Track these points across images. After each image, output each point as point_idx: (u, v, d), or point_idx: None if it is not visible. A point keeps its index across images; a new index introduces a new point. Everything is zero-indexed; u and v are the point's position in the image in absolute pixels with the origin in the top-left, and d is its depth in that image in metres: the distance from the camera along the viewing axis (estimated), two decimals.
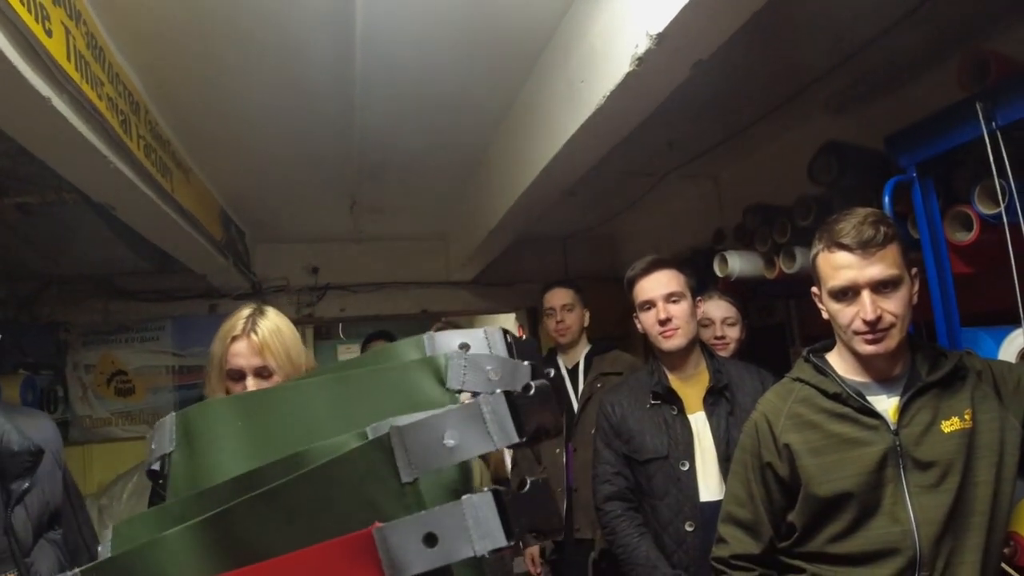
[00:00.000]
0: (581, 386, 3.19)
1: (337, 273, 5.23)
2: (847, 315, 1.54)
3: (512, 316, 6.46)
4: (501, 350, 0.78)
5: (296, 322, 5.42)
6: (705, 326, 2.71)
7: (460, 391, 0.70)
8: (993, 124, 1.84)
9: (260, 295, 4.99)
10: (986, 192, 1.96)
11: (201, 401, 1.01)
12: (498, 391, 0.56)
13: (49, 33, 1.72)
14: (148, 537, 0.62)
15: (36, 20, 1.65)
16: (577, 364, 3.29)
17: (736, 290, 3.06)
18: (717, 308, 2.78)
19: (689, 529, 2.10)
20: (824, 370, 1.64)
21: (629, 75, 1.91)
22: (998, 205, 1.89)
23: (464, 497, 0.50)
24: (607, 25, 2.03)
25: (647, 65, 1.84)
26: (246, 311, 1.85)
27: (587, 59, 2.18)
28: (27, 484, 1.42)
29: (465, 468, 0.66)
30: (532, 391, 0.57)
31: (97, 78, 2.06)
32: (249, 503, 0.55)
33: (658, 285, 2.26)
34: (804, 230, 2.75)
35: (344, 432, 0.63)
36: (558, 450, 3.15)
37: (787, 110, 3.14)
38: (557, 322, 3.30)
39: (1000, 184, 1.87)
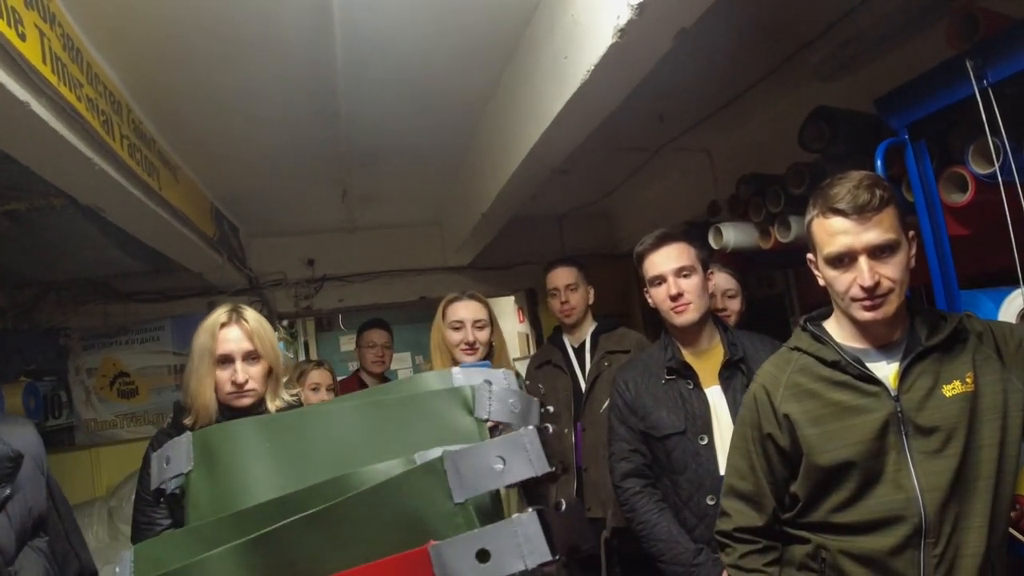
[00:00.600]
0: (588, 365, 3.17)
1: (333, 264, 5.22)
2: (844, 282, 1.51)
3: (511, 299, 6.45)
4: (516, 387, 0.85)
5: (295, 315, 5.47)
6: None
7: (487, 420, 0.73)
8: (984, 82, 1.82)
9: (257, 290, 4.99)
10: (980, 151, 1.94)
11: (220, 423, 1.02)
12: (531, 427, 0.61)
13: (23, 37, 1.70)
14: (178, 560, 0.62)
15: (8, 24, 1.63)
16: (583, 343, 3.25)
17: (734, 262, 3.05)
18: (718, 280, 2.73)
19: (711, 503, 2.08)
20: (822, 338, 1.62)
21: (612, 47, 1.88)
22: (992, 164, 1.87)
23: (514, 516, 0.55)
24: None
25: (630, 36, 1.82)
26: (225, 307, 2.01)
27: (570, 33, 2.15)
28: (8, 491, 1.41)
29: (496, 492, 0.68)
30: (549, 430, 0.63)
31: (75, 80, 2.04)
32: (297, 524, 0.56)
33: (668, 259, 2.22)
34: (798, 198, 2.73)
35: (376, 456, 0.66)
36: (567, 430, 3.13)
37: (777, 78, 3.11)
38: (562, 303, 3.26)
39: (994, 142, 1.84)
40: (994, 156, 1.86)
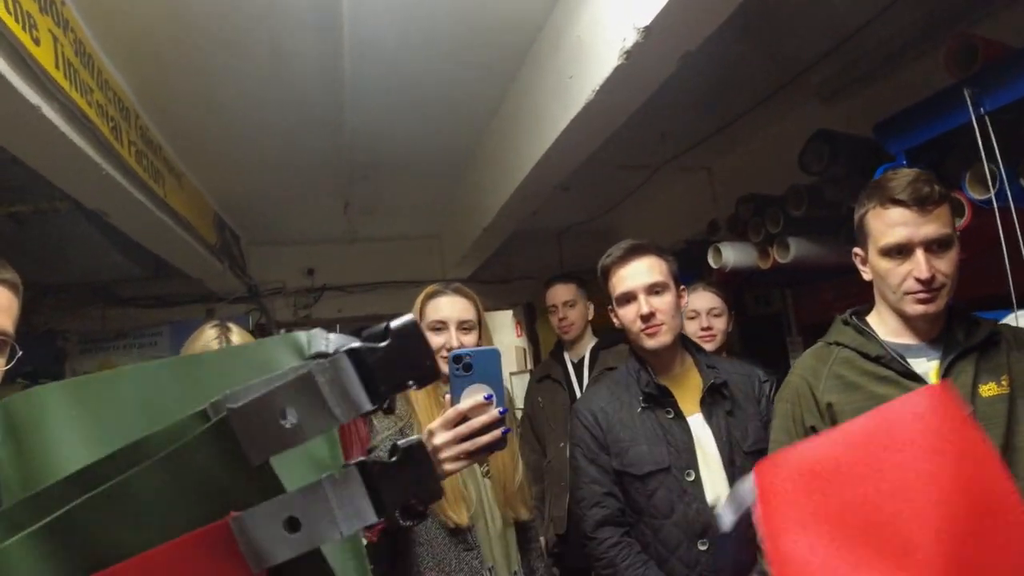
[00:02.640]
0: (586, 380, 3.21)
1: (333, 274, 5.24)
2: (899, 274, 1.50)
3: (509, 313, 6.46)
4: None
5: (293, 324, 5.46)
6: (691, 318, 2.68)
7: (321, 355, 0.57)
8: (981, 109, 1.85)
9: (257, 298, 5.00)
10: (976, 177, 1.96)
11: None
12: (339, 351, 0.48)
13: (37, 42, 1.72)
14: None
15: (23, 29, 1.65)
16: (583, 358, 3.29)
17: (731, 280, 3.07)
18: (702, 299, 2.72)
19: (703, 548, 1.82)
20: (866, 332, 1.61)
21: (618, 69, 1.91)
22: (988, 191, 1.89)
23: (324, 476, 0.47)
24: (594, 19, 2.03)
25: (635, 58, 1.85)
26: (213, 331, 1.88)
27: (575, 53, 2.18)
28: None
29: (332, 437, 0.60)
30: (386, 338, 0.49)
31: (86, 85, 2.06)
32: (91, 503, 0.49)
33: (638, 274, 1.95)
34: (796, 220, 2.76)
35: None
36: (562, 444, 3.15)
37: (779, 100, 3.14)
38: (560, 319, 3.31)
39: (990, 169, 1.87)
40: (990, 182, 1.88)
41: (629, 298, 1.96)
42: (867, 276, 1.60)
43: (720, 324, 2.73)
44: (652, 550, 1.89)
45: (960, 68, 1.97)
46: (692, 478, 1.86)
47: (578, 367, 3.30)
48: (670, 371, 2.02)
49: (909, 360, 1.53)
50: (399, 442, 0.50)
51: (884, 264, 1.53)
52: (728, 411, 1.94)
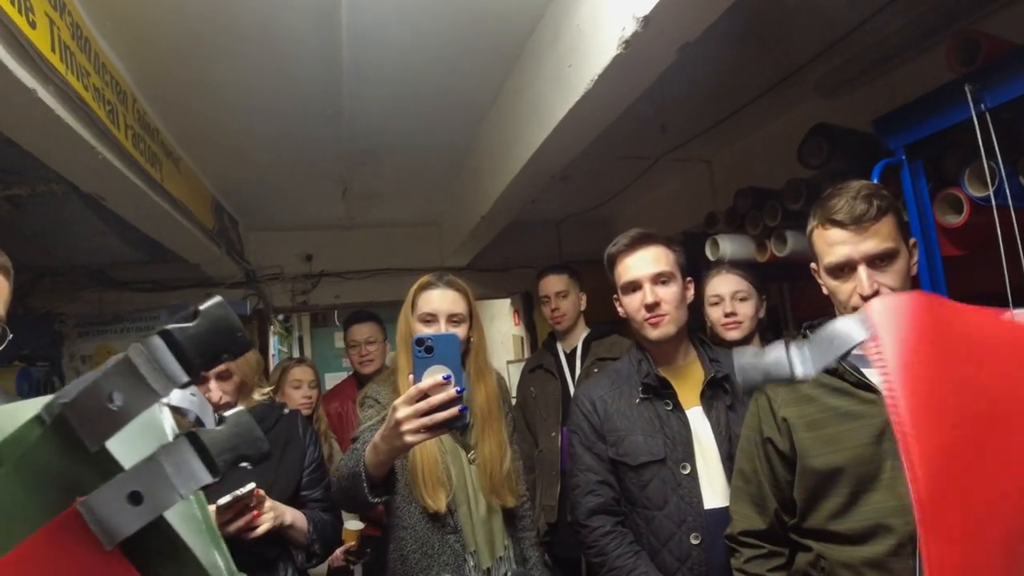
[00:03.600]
0: (579, 371, 3.22)
1: (331, 260, 5.23)
2: (845, 291, 1.52)
3: (507, 301, 6.47)
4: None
5: (291, 310, 5.47)
6: (714, 304, 2.60)
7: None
8: (982, 106, 1.84)
9: (254, 283, 5.00)
10: (976, 174, 1.96)
11: None
12: (154, 337, 0.51)
13: (33, 25, 1.71)
14: None
15: (19, 12, 1.64)
16: (575, 349, 3.32)
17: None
18: (725, 283, 2.58)
19: (695, 542, 1.83)
20: None
21: (616, 58, 1.90)
22: (987, 188, 1.89)
23: (158, 448, 0.49)
24: (594, 8, 2.02)
25: (634, 48, 1.84)
26: None
27: (575, 42, 2.17)
28: None
29: (153, 415, 0.62)
30: (195, 316, 0.52)
31: (83, 68, 2.05)
32: None
33: (644, 263, 1.95)
34: (795, 213, 2.75)
35: None
36: (553, 433, 3.17)
37: (779, 93, 3.13)
38: (552, 310, 3.34)
39: (989, 166, 1.87)
40: (989, 180, 1.88)
41: (634, 287, 1.97)
42: (825, 291, 1.61)
43: (747, 309, 2.55)
44: (644, 541, 1.91)
45: (962, 64, 1.96)
46: (687, 471, 1.88)
47: (570, 357, 3.32)
48: (672, 363, 2.03)
49: (864, 371, 1.53)
50: (228, 413, 0.53)
51: (831, 282, 1.55)
52: (729, 405, 1.95)
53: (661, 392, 1.97)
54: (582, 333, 3.34)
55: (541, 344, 3.66)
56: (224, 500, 1.58)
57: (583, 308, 3.36)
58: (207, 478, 0.50)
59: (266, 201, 4.52)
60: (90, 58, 2.12)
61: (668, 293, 1.94)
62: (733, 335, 2.51)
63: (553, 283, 3.34)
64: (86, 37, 2.11)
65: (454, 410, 1.41)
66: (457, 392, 1.41)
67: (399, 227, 5.41)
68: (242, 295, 4.99)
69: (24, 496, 0.50)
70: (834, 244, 1.51)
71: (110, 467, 0.51)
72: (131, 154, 2.47)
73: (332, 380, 9.16)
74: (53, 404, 0.51)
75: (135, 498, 0.48)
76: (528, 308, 5.80)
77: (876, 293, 1.47)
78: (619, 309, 2.07)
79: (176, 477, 0.49)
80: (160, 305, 4.81)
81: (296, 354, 8.34)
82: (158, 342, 0.51)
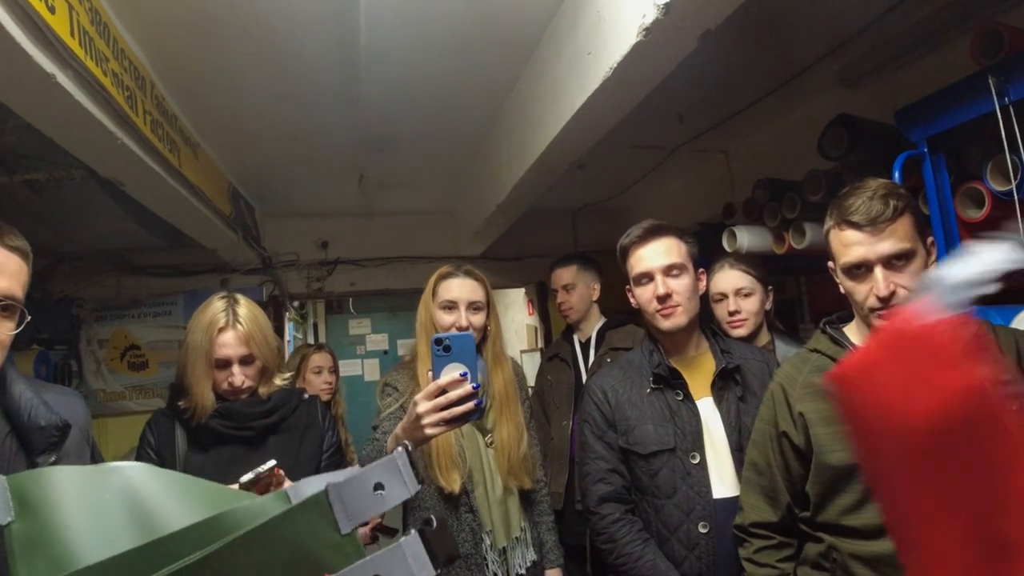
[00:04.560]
0: (592, 360, 3.24)
1: (346, 248, 5.25)
2: (861, 292, 1.52)
3: (522, 291, 6.46)
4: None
5: (306, 296, 5.50)
6: (718, 301, 2.58)
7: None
8: (1005, 99, 1.81)
9: (270, 269, 5.02)
10: (998, 168, 1.93)
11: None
12: (401, 449, 0.61)
13: (52, 9, 1.72)
14: None
15: None
16: (589, 338, 3.33)
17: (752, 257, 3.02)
18: (728, 279, 2.55)
19: (703, 531, 1.85)
20: (840, 341, 1.64)
21: (636, 46, 1.88)
22: (1010, 181, 1.86)
23: (401, 540, 0.57)
24: None
25: (654, 35, 1.82)
26: (220, 302, 1.98)
27: (594, 29, 2.15)
28: (53, 458, 1.44)
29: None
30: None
31: (102, 54, 2.05)
32: (183, 572, 0.52)
33: (656, 255, 1.98)
34: (814, 205, 2.72)
35: None
36: (565, 422, 3.19)
37: (798, 83, 3.10)
38: (560, 303, 3.38)
39: (1012, 160, 1.84)
40: (1012, 173, 1.85)
41: (646, 278, 1.99)
42: (842, 290, 1.61)
43: (750, 305, 2.52)
44: (653, 529, 1.93)
45: (985, 56, 1.93)
46: (697, 461, 1.90)
47: (585, 347, 3.34)
48: (684, 353, 2.06)
49: None
50: (433, 517, 0.61)
51: (848, 282, 1.55)
52: (740, 396, 1.97)
53: (672, 382, 1.99)
54: (597, 323, 3.34)
55: (560, 333, 3.68)
56: (247, 477, 1.63)
57: (595, 298, 3.36)
58: (432, 571, 0.57)
59: (282, 188, 4.53)
60: (109, 43, 2.13)
61: (680, 284, 1.97)
62: (738, 333, 2.49)
63: (561, 276, 3.37)
64: (104, 22, 2.11)
65: (470, 404, 1.51)
66: (473, 388, 1.51)
67: (414, 215, 5.41)
68: (258, 281, 5.02)
69: (263, 560, 0.55)
70: (850, 245, 1.51)
71: (353, 551, 0.59)
72: (149, 140, 2.48)
73: (346, 368, 9.24)
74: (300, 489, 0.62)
75: None
76: (542, 298, 5.80)
77: (893, 294, 1.46)
78: (631, 300, 2.09)
79: (414, 566, 0.56)
80: (178, 290, 4.85)
81: (311, 340, 8.39)
82: (405, 456, 0.62)
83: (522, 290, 6.42)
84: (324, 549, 0.57)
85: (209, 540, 0.54)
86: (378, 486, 0.60)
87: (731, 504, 1.84)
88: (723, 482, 1.89)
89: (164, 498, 0.68)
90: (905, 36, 2.57)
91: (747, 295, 2.53)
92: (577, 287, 3.32)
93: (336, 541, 0.58)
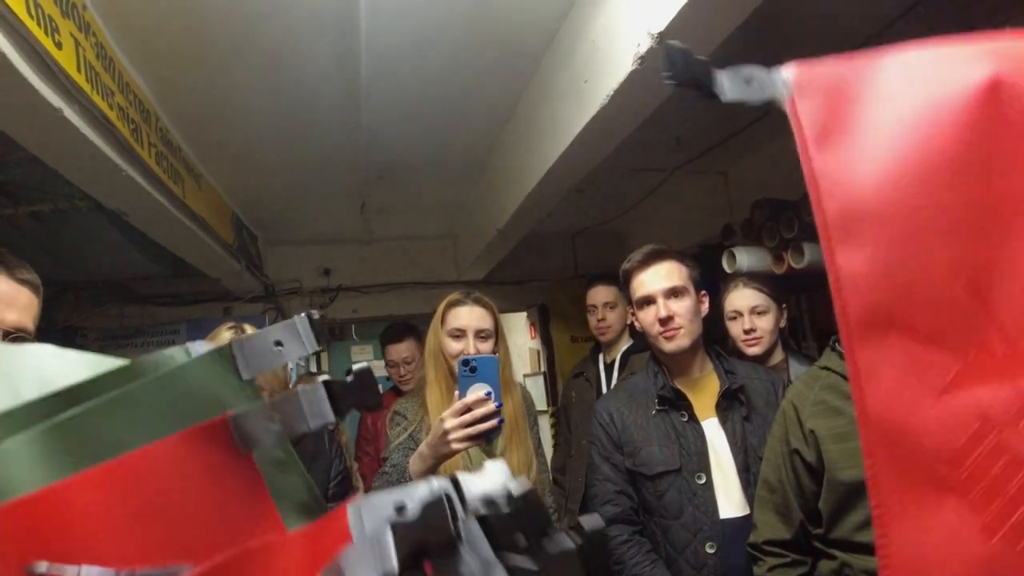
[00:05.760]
0: (614, 382, 3.28)
1: (349, 274, 5.26)
2: None
3: (523, 315, 6.47)
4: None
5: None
6: (732, 319, 2.59)
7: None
8: None
9: (273, 297, 5.04)
10: None
11: None
12: (303, 314, 0.65)
13: (59, 45, 1.75)
14: None
15: (45, 33, 1.68)
16: (614, 360, 3.34)
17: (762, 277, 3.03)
18: (742, 297, 2.56)
19: (711, 551, 1.85)
20: None
21: (632, 73, 1.92)
22: None
23: (299, 387, 0.62)
24: (609, 24, 2.04)
25: (649, 63, 1.86)
26: (228, 333, 2.00)
27: (590, 58, 2.19)
28: None
29: (287, 446, 0.72)
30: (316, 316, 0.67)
31: (107, 88, 2.09)
32: (97, 408, 0.57)
33: (658, 279, 2.01)
34: (811, 225, 2.73)
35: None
36: (584, 441, 3.20)
37: None
38: (599, 320, 3.35)
39: None
40: None
41: (648, 301, 2.02)
42: None
43: (765, 323, 2.53)
44: (661, 550, 1.94)
45: None
46: (703, 481, 1.91)
47: (609, 368, 3.36)
48: (688, 375, 2.07)
49: None
50: (354, 366, 0.64)
51: None
52: (745, 416, 1.98)
53: (677, 404, 2.00)
54: (624, 345, 3.34)
55: (588, 351, 3.69)
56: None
57: (629, 322, 3.35)
58: (331, 418, 0.62)
59: (285, 216, 4.57)
60: (114, 77, 2.17)
61: (681, 307, 1.99)
62: (753, 351, 2.49)
63: (602, 293, 3.35)
64: (110, 57, 2.15)
65: (493, 422, 1.61)
66: (496, 407, 1.61)
67: (416, 241, 5.43)
68: (261, 309, 5.03)
69: (175, 399, 0.61)
70: None
71: (253, 395, 0.65)
72: (154, 171, 2.52)
73: None
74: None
75: (272, 419, 0.60)
76: (544, 321, 5.80)
77: None
78: (635, 323, 2.12)
79: (309, 412, 0.61)
80: (181, 319, 4.86)
81: (314, 367, 8.38)
82: (306, 320, 0.65)
83: (524, 314, 6.43)
84: (227, 393, 0.62)
85: (119, 386, 0.58)
86: (278, 343, 0.64)
87: (738, 524, 1.84)
88: (730, 502, 1.90)
89: (77, 364, 0.68)
90: None
91: (761, 313, 2.54)
92: (618, 307, 3.32)
93: (237, 386, 0.63)
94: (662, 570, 1.89)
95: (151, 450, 0.56)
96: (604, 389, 3.30)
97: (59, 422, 0.56)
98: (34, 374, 0.68)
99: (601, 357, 3.44)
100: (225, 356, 0.64)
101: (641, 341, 3.27)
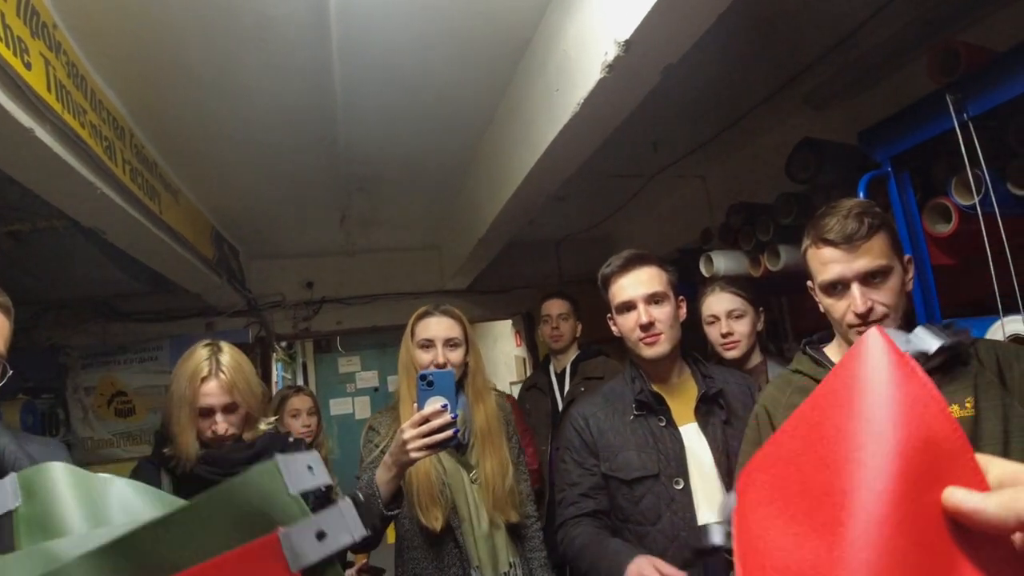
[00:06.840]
0: (567, 389, 3.43)
1: (332, 286, 5.27)
2: (839, 309, 1.54)
3: (509, 322, 6.48)
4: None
5: (293, 337, 5.49)
6: (710, 323, 2.59)
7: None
8: (964, 115, 1.86)
9: (256, 311, 5.03)
10: (963, 183, 1.97)
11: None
12: (315, 452, 0.72)
13: (28, 66, 1.75)
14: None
15: (14, 54, 1.68)
16: (565, 369, 3.53)
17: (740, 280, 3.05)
18: (720, 301, 2.56)
19: (688, 556, 1.78)
20: (821, 361, 1.64)
21: (601, 82, 1.93)
22: (974, 196, 1.91)
23: (340, 502, 0.65)
24: (579, 33, 2.05)
25: (617, 72, 1.87)
26: (204, 350, 1.99)
27: (562, 67, 2.20)
28: None
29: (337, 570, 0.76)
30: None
31: (79, 106, 2.09)
32: (151, 525, 0.61)
33: (638, 284, 1.98)
34: (786, 228, 2.77)
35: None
36: (543, 447, 3.38)
37: (771, 107, 3.16)
38: (552, 328, 3.57)
39: (975, 174, 1.88)
40: (974, 188, 1.90)
41: (629, 307, 1.99)
42: (822, 308, 1.62)
43: (742, 327, 2.54)
44: None
45: (943, 74, 1.97)
46: (681, 486, 1.87)
47: (560, 377, 3.55)
48: (667, 380, 2.05)
49: None
50: (359, 494, 0.74)
51: (826, 300, 1.58)
52: (725, 420, 1.96)
53: (655, 408, 1.98)
54: (573, 355, 3.55)
55: (536, 364, 3.89)
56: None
57: (578, 335, 3.61)
58: (363, 531, 0.66)
59: (266, 230, 4.56)
60: (87, 95, 2.16)
61: (662, 313, 1.97)
62: (732, 354, 2.51)
63: (556, 305, 3.60)
64: (82, 75, 2.15)
65: (448, 432, 1.70)
66: (452, 418, 1.70)
67: (399, 252, 5.44)
68: (244, 323, 5.02)
69: (226, 516, 0.63)
70: (827, 263, 1.53)
71: (300, 510, 0.66)
72: (129, 188, 2.51)
73: (337, 406, 9.21)
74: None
75: (321, 535, 0.63)
76: (529, 328, 5.82)
77: (870, 310, 1.48)
78: (613, 329, 2.09)
79: (350, 524, 0.64)
80: (164, 335, 4.84)
81: (300, 381, 8.36)
82: (318, 458, 0.72)
83: (509, 322, 6.44)
84: (276, 509, 0.65)
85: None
86: (309, 467, 0.68)
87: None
88: (710, 507, 1.86)
89: (151, 498, 0.83)
90: (866, 58, 2.63)
91: (738, 317, 2.55)
92: (569, 319, 3.56)
93: (286, 501, 0.65)
94: (617, 539, 1.86)
95: (206, 568, 0.59)
96: (558, 397, 3.48)
97: (118, 540, 0.60)
98: (116, 499, 0.84)
99: (552, 367, 3.63)
100: (274, 471, 0.67)
101: (588, 350, 3.53)
